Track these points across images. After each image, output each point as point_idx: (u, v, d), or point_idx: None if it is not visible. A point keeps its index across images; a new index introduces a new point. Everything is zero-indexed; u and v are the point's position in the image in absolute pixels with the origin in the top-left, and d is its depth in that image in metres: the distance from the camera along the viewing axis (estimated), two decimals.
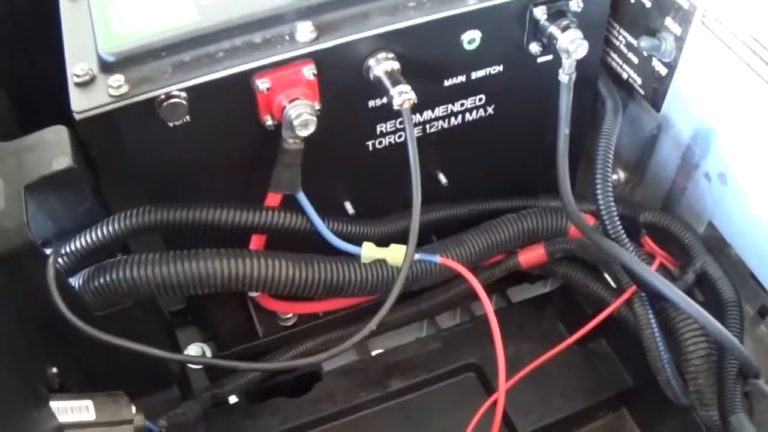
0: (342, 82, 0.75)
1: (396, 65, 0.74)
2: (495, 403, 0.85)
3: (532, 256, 0.94)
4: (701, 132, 0.83)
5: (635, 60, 0.88)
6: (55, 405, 0.66)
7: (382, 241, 0.83)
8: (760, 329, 0.87)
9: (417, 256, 0.84)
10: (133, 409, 0.72)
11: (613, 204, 0.83)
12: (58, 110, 0.72)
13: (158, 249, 0.78)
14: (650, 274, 0.79)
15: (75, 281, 0.76)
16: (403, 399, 1.06)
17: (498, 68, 0.82)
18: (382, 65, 0.73)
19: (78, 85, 0.70)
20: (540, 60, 0.82)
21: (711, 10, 0.76)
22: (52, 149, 0.71)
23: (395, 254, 0.82)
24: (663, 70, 0.84)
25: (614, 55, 0.91)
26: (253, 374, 0.97)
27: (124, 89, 0.68)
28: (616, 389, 1.05)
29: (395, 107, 0.72)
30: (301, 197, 0.79)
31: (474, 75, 0.81)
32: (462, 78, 0.81)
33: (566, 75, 0.78)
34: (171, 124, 0.71)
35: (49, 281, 0.68)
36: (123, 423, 0.70)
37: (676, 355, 0.83)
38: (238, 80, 0.71)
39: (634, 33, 0.86)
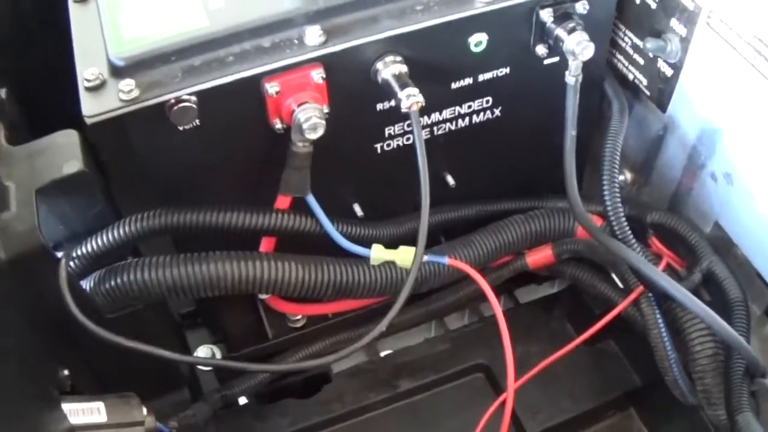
0: (350, 85, 0.76)
1: (404, 68, 0.74)
2: (503, 403, 0.85)
3: (539, 257, 0.95)
4: (707, 132, 0.83)
5: (641, 61, 0.88)
6: (66, 407, 0.66)
7: (391, 243, 0.83)
8: (767, 329, 0.87)
9: (426, 258, 0.84)
10: (144, 410, 0.72)
11: (620, 205, 0.83)
12: (66, 114, 0.72)
13: (169, 252, 0.79)
14: (657, 274, 0.79)
15: (86, 284, 0.77)
16: (412, 400, 1.07)
17: (505, 70, 0.82)
18: (390, 68, 0.73)
19: (88, 89, 0.70)
20: (546, 62, 0.82)
21: (716, 11, 0.76)
22: (63, 153, 0.71)
23: (404, 256, 0.82)
24: (668, 71, 0.84)
25: (620, 57, 0.91)
26: (262, 376, 0.97)
27: (135, 93, 0.69)
28: (623, 389, 1.05)
29: (403, 110, 0.72)
30: (311, 200, 0.79)
31: (481, 77, 0.82)
32: (469, 80, 0.81)
33: (573, 77, 0.78)
34: (181, 128, 0.72)
35: (61, 284, 0.69)
36: (134, 425, 0.70)
37: (683, 355, 0.84)
38: (248, 84, 0.71)
39: (639, 34, 0.86)
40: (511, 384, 0.83)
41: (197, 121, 0.72)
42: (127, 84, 0.69)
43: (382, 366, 1.08)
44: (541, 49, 0.81)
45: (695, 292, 0.83)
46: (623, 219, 0.83)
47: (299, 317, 0.97)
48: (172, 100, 0.69)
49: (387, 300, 0.91)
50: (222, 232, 0.78)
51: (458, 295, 0.99)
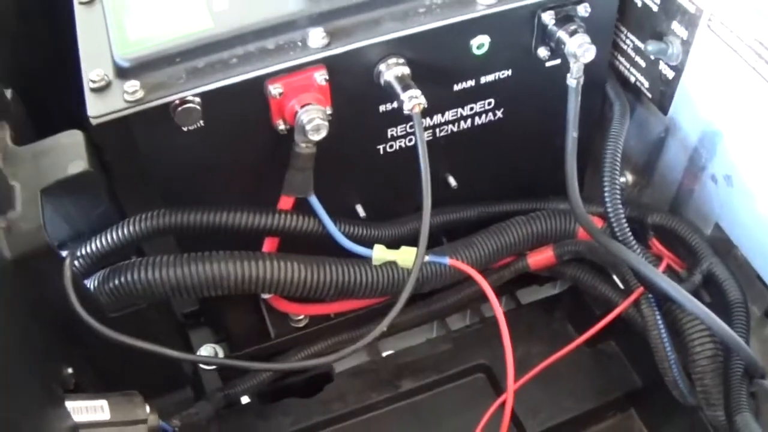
0: (353, 87, 0.76)
1: (406, 70, 0.74)
2: (504, 403, 0.85)
3: (540, 258, 0.95)
4: (708, 134, 0.84)
5: (642, 63, 0.88)
6: (70, 405, 0.67)
7: (393, 244, 0.84)
8: (767, 330, 0.87)
9: (427, 258, 0.84)
10: (147, 408, 0.72)
11: (620, 206, 0.83)
12: (71, 115, 0.73)
13: (172, 252, 0.79)
14: (657, 275, 0.80)
15: (90, 283, 0.77)
16: (414, 399, 1.07)
17: (507, 73, 0.82)
18: (392, 70, 0.74)
19: (94, 90, 0.71)
20: (548, 64, 0.83)
21: (717, 14, 0.76)
22: (68, 153, 0.71)
23: (405, 256, 0.83)
24: (670, 74, 0.85)
25: (622, 59, 0.91)
26: (265, 375, 0.98)
27: (140, 95, 0.69)
28: (624, 390, 1.05)
29: (405, 112, 0.72)
30: (314, 200, 0.79)
31: (483, 79, 0.82)
32: (471, 82, 0.82)
33: (574, 79, 0.78)
34: (185, 129, 0.72)
35: (66, 283, 0.69)
36: (137, 422, 0.71)
37: (683, 356, 0.84)
38: (251, 86, 0.72)
39: (641, 37, 0.87)
40: (511, 384, 0.83)
41: (201, 122, 0.72)
42: (132, 85, 0.70)
43: (384, 366, 1.08)
44: (542, 52, 0.81)
45: (695, 293, 0.84)
46: (623, 220, 0.83)
47: (301, 317, 0.98)
48: (177, 101, 0.70)
49: (389, 300, 0.91)
50: (225, 232, 0.78)
51: (460, 296, 1.00)
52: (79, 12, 0.80)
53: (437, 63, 0.78)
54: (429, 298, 1.01)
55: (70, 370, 0.71)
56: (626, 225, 0.83)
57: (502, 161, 0.93)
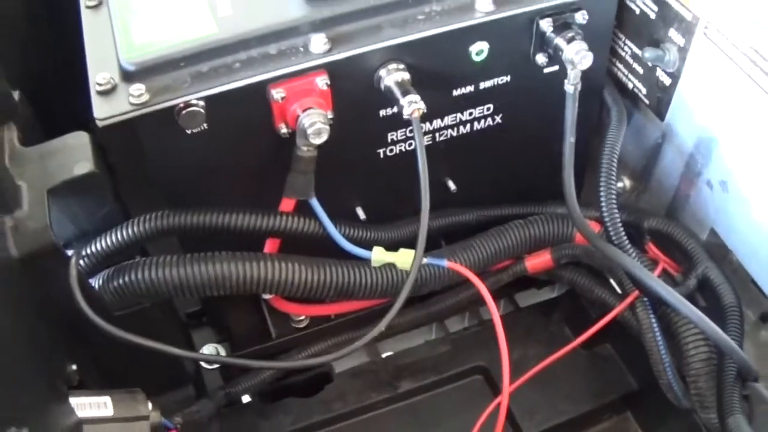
0: (354, 92, 0.77)
1: (406, 76, 0.75)
2: (500, 404, 0.85)
3: (538, 261, 0.96)
4: (704, 141, 0.84)
5: (640, 70, 0.89)
6: (74, 401, 0.67)
7: (393, 246, 0.84)
8: (762, 334, 0.88)
9: (425, 261, 0.84)
10: (150, 405, 0.72)
11: (616, 211, 0.84)
12: (76, 117, 0.74)
13: (175, 252, 0.80)
14: (651, 279, 0.80)
15: (95, 282, 0.78)
16: (413, 400, 1.08)
17: (505, 78, 0.83)
18: (392, 76, 0.75)
19: (100, 93, 0.71)
20: (546, 71, 0.83)
21: (713, 21, 0.77)
22: (74, 154, 0.71)
23: (404, 258, 0.83)
24: (667, 80, 0.86)
25: (620, 65, 0.92)
26: (266, 374, 0.98)
27: (145, 98, 0.70)
28: (620, 392, 1.06)
29: (405, 116, 0.73)
30: (314, 203, 0.80)
31: (482, 85, 0.83)
32: (470, 88, 0.82)
33: (571, 85, 0.79)
34: (189, 132, 0.73)
35: (72, 281, 0.69)
36: (140, 419, 0.71)
37: (678, 359, 0.85)
38: (254, 90, 0.73)
39: (639, 44, 0.88)
40: (506, 386, 0.84)
41: (205, 125, 0.73)
42: (138, 88, 0.70)
43: (384, 367, 1.09)
44: (541, 58, 0.81)
45: (691, 297, 0.85)
46: (619, 225, 0.84)
47: (302, 318, 0.98)
48: (181, 105, 0.71)
49: (388, 302, 0.92)
50: (227, 233, 0.79)
51: (458, 298, 1.00)
52: (86, 16, 0.81)
53: (437, 69, 0.79)
54: (428, 300, 1.01)
55: (74, 367, 0.72)
56: (622, 229, 0.84)
57: (500, 166, 0.94)
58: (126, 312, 0.79)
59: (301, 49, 0.74)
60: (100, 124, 0.70)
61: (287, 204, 0.81)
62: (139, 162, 0.76)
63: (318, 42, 0.74)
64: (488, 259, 0.91)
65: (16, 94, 0.76)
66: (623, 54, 0.91)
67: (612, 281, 0.95)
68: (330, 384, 1.07)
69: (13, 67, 0.87)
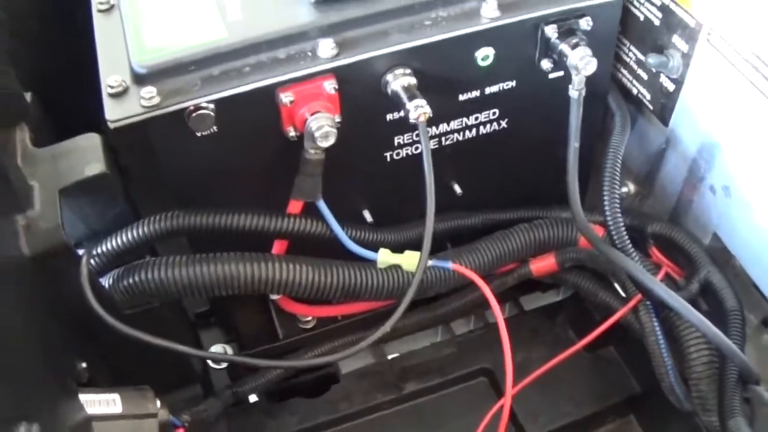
0: (361, 96, 0.77)
1: (413, 80, 0.76)
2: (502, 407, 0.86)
3: (543, 264, 0.96)
4: (707, 146, 0.85)
5: (644, 76, 0.90)
6: (84, 398, 0.67)
7: (399, 248, 0.85)
8: (764, 338, 0.88)
9: (430, 263, 0.85)
10: (158, 403, 0.73)
11: (619, 215, 0.84)
12: (87, 118, 0.74)
13: (184, 252, 0.80)
14: (654, 283, 0.81)
15: (105, 281, 0.78)
16: (418, 401, 1.09)
17: (511, 84, 0.84)
18: (399, 80, 0.75)
19: (112, 95, 0.72)
20: (551, 76, 0.84)
21: (716, 28, 0.77)
22: (86, 155, 0.72)
23: (410, 260, 0.84)
24: (670, 86, 0.86)
25: (624, 71, 0.93)
26: (272, 374, 0.98)
27: (156, 100, 0.71)
28: (623, 395, 1.06)
29: (411, 120, 0.74)
30: (322, 205, 0.81)
31: (488, 90, 0.83)
32: (476, 93, 0.83)
33: (576, 91, 0.79)
34: (199, 134, 0.74)
35: (83, 280, 0.70)
36: (148, 416, 0.71)
37: (680, 362, 0.85)
38: (263, 93, 0.73)
39: (643, 50, 0.88)
40: (509, 389, 0.84)
41: (215, 127, 0.74)
42: (149, 91, 0.71)
43: (390, 368, 1.10)
44: (546, 64, 0.82)
45: (693, 301, 0.85)
46: (623, 229, 0.84)
47: (309, 318, 0.99)
48: (191, 108, 0.71)
49: (394, 303, 0.92)
50: (236, 234, 0.80)
51: (463, 301, 1.01)
52: (98, 19, 0.82)
53: (443, 74, 0.79)
54: (433, 303, 1.02)
55: (84, 365, 0.72)
56: (625, 234, 0.84)
57: (506, 170, 0.94)
58: (136, 311, 0.80)
59: (310, 53, 0.75)
60: (111, 126, 0.70)
61: (295, 206, 0.82)
62: (149, 163, 0.76)
63: (326, 47, 0.74)
64: (493, 262, 0.91)
65: (28, 96, 0.76)
66: (627, 60, 0.91)
67: (615, 285, 0.95)
68: (336, 384, 1.07)
69: (25, 68, 0.88)
